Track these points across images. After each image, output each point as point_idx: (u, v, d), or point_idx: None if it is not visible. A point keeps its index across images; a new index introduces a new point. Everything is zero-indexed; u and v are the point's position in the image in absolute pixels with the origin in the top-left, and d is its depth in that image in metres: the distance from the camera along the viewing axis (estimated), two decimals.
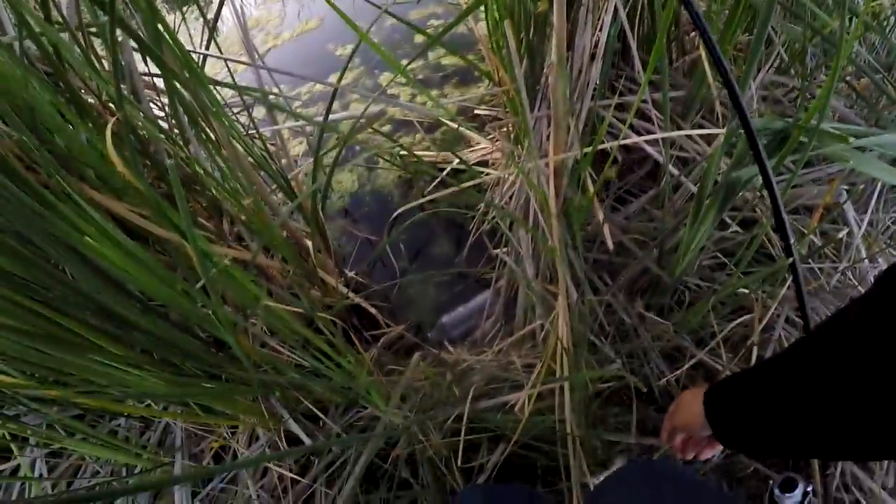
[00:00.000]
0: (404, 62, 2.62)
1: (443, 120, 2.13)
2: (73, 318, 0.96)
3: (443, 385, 1.47)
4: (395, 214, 1.99)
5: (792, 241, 0.81)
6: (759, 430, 0.62)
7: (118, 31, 1.02)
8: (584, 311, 1.38)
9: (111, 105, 1.32)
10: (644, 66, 1.37)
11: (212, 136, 1.28)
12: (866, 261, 1.50)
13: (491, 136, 1.93)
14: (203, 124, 1.26)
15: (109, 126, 0.88)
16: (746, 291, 1.40)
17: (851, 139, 1.04)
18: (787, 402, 0.57)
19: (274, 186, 1.58)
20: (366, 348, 1.65)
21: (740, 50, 1.64)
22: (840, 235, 1.51)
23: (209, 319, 1.05)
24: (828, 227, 1.55)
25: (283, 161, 1.70)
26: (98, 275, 0.97)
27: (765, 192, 1.00)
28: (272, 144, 1.83)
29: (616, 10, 1.18)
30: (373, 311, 1.66)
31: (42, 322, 0.93)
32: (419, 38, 2.79)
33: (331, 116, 1.59)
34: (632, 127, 1.52)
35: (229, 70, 1.63)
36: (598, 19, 1.32)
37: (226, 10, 3.01)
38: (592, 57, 1.34)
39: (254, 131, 1.56)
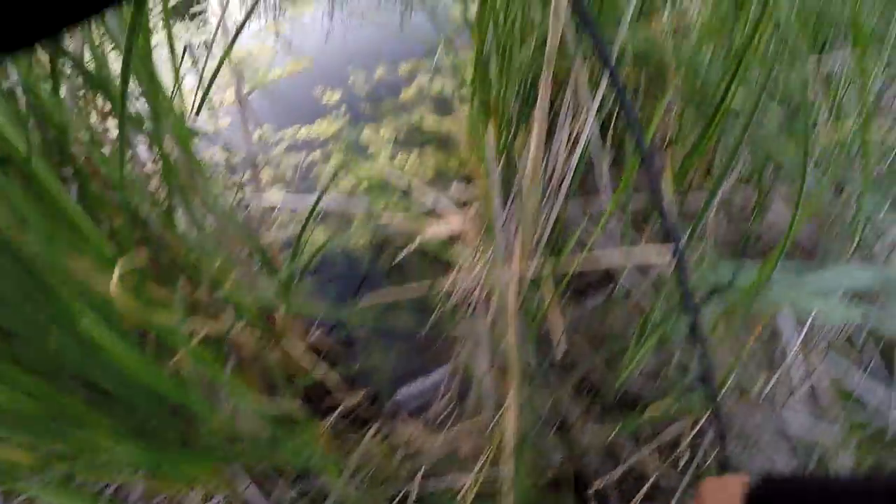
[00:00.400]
0: (389, 119, 2.71)
1: (416, 186, 2.18)
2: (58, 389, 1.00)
3: (394, 461, 1.51)
4: (362, 280, 2.04)
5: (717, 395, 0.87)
6: None
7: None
8: (532, 406, 1.43)
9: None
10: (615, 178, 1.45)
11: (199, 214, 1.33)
12: (799, 376, 1.57)
13: (464, 211, 1.98)
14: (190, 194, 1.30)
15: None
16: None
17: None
18: None
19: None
20: (323, 415, 1.68)
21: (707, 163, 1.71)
22: (777, 347, 1.58)
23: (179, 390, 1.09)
24: (765, 341, 1.62)
25: (264, 231, 1.74)
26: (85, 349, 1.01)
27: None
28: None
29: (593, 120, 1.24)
30: (332, 381, 1.70)
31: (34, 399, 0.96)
32: (406, 95, 2.86)
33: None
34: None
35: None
36: (576, 129, 1.38)
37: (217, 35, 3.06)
38: (569, 156, 1.40)
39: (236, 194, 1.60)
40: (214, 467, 1.39)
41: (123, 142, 1.02)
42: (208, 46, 1.53)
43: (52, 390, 0.98)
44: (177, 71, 1.27)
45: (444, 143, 2.54)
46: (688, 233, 1.40)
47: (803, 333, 1.56)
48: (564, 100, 1.32)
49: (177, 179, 1.22)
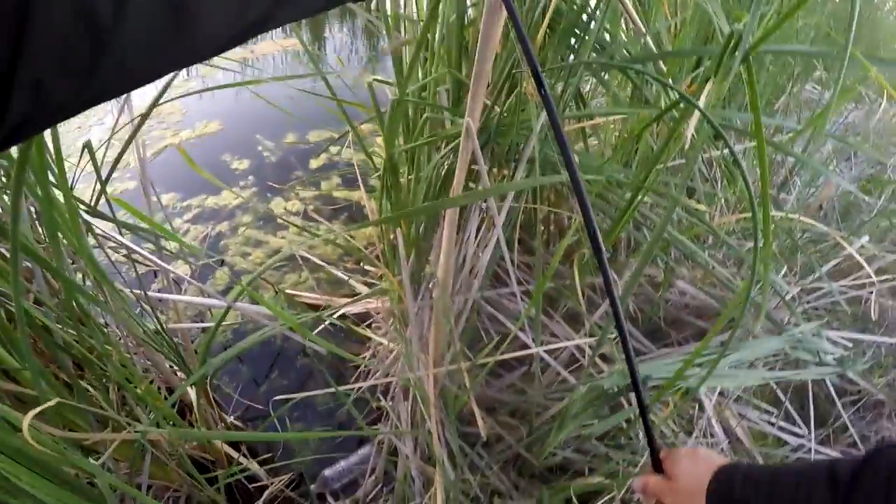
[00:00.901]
0: (298, 189, 2.73)
1: (327, 261, 2.21)
2: None
3: None
4: (275, 358, 2.04)
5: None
6: None
7: None
8: (458, 487, 1.47)
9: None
10: (526, 264, 1.54)
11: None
12: (718, 429, 1.69)
13: (374, 294, 2.02)
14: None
15: None
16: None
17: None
18: None
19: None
20: (249, 502, 1.67)
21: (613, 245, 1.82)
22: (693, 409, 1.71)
23: None
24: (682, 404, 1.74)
25: (173, 320, 1.72)
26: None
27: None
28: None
29: (498, 230, 1.31)
30: (255, 468, 1.69)
31: None
32: (315, 164, 2.89)
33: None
34: (506, 311, 1.66)
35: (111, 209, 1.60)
36: (487, 221, 1.46)
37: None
38: (476, 257, 1.47)
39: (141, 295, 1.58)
40: None
41: (17, 264, 1.02)
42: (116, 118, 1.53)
43: None
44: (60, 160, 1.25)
45: (354, 214, 2.58)
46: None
47: (717, 392, 1.69)
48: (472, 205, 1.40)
49: (78, 299, 1.21)
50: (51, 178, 1.07)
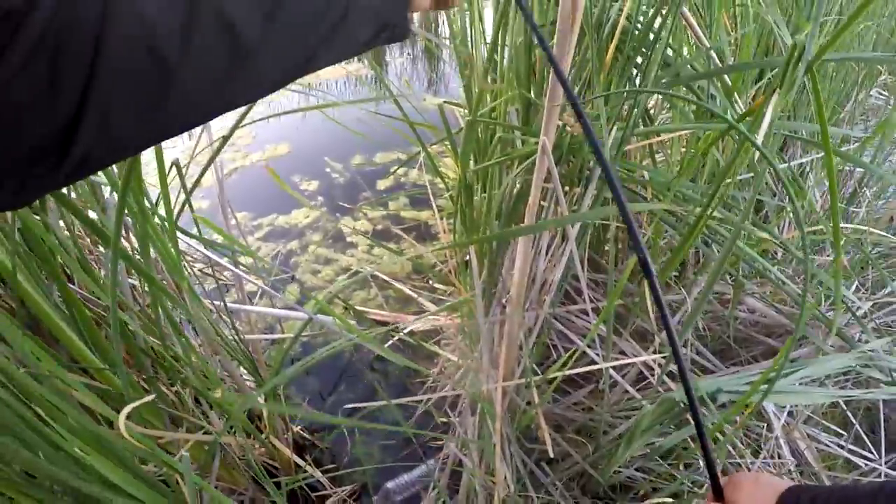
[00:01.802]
0: (366, 209, 2.80)
1: (396, 279, 2.25)
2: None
3: None
4: (342, 372, 2.09)
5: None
6: None
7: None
8: (522, 501, 1.48)
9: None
10: (594, 281, 1.55)
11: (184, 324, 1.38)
12: (786, 451, 1.65)
13: (443, 310, 2.05)
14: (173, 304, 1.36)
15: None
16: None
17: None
18: None
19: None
20: None
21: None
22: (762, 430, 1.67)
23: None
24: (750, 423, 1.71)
25: (247, 332, 1.78)
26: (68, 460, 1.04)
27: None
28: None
29: (572, 243, 1.33)
30: (320, 477, 1.73)
31: None
32: (382, 185, 2.96)
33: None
34: (575, 327, 1.67)
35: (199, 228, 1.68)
36: (558, 239, 1.47)
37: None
38: (550, 270, 1.49)
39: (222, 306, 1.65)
40: None
41: (115, 271, 1.08)
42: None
43: None
44: (163, 179, 1.33)
45: (422, 233, 2.63)
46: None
47: (786, 412, 1.65)
48: (546, 214, 1.42)
49: (162, 297, 1.28)
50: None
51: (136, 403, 0.98)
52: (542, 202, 1.41)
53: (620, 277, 1.20)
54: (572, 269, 1.42)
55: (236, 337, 1.63)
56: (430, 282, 2.31)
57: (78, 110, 0.35)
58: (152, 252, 1.24)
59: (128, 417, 1.11)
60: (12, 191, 0.36)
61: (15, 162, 0.35)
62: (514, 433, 1.47)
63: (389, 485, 1.80)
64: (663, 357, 1.47)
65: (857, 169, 2.21)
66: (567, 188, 1.44)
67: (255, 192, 3.00)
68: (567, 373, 1.32)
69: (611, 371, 1.56)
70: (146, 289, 1.39)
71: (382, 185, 2.98)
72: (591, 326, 1.66)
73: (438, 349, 1.92)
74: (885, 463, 1.71)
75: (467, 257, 1.59)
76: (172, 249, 1.28)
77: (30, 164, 0.36)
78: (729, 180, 1.23)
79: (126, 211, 1.15)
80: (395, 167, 3.05)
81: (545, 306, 1.43)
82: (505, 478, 1.43)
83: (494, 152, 1.42)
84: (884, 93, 2.63)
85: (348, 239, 2.65)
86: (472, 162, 1.45)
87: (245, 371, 1.72)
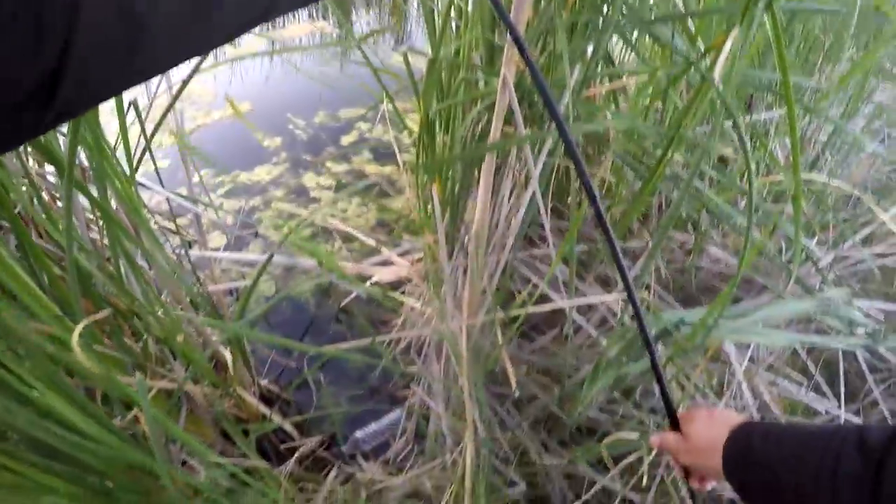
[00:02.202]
0: (330, 165, 2.77)
1: (360, 232, 2.24)
2: (10, 454, 1.01)
3: (358, 503, 1.56)
4: (308, 326, 2.08)
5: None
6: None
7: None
8: (489, 443, 1.50)
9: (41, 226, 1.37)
10: (558, 228, 1.56)
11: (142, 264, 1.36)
12: (748, 394, 1.69)
13: (407, 258, 2.05)
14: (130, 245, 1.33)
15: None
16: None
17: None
18: None
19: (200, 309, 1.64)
20: (281, 461, 1.71)
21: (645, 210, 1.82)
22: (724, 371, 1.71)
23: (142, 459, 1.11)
24: (712, 366, 1.74)
25: (209, 281, 1.76)
26: (38, 413, 1.02)
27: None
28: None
29: (536, 183, 1.33)
30: (288, 427, 1.73)
31: None
32: (346, 141, 2.92)
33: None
34: (538, 272, 1.68)
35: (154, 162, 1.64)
36: (520, 183, 1.47)
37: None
38: (513, 214, 1.49)
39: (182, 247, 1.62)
40: None
41: (70, 201, 1.05)
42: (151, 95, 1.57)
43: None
44: (123, 126, 1.29)
45: (385, 188, 2.61)
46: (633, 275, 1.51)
47: (748, 355, 1.69)
48: (507, 160, 1.41)
49: (121, 240, 1.25)
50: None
51: (88, 320, 0.96)
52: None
53: (577, 213, 1.21)
54: (535, 216, 1.43)
55: (199, 287, 1.61)
56: (395, 233, 2.31)
57: (59, 69, 0.36)
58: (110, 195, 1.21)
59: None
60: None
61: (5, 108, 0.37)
62: (480, 376, 1.48)
63: (358, 434, 1.81)
64: (625, 300, 1.49)
65: (822, 135, 2.23)
66: (529, 128, 1.43)
67: (217, 149, 2.94)
68: (530, 310, 1.33)
69: (575, 316, 1.58)
70: (106, 241, 1.36)
71: (346, 140, 2.94)
72: (557, 274, 1.67)
73: (403, 298, 1.92)
74: (845, 413, 1.75)
75: (430, 206, 1.58)
76: (130, 188, 1.25)
77: (18, 110, 0.38)
78: (690, 119, 1.24)
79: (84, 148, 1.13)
80: (357, 122, 3.02)
81: (507, 247, 1.43)
82: (472, 420, 1.44)
83: (458, 93, 1.41)
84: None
85: (312, 194, 2.62)
86: (434, 102, 1.44)
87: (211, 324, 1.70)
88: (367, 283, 2.00)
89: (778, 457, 0.66)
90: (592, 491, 1.54)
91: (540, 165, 1.27)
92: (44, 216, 1.27)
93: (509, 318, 1.43)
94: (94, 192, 1.18)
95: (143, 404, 0.94)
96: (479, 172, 1.28)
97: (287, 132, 3.06)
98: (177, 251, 1.61)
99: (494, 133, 1.11)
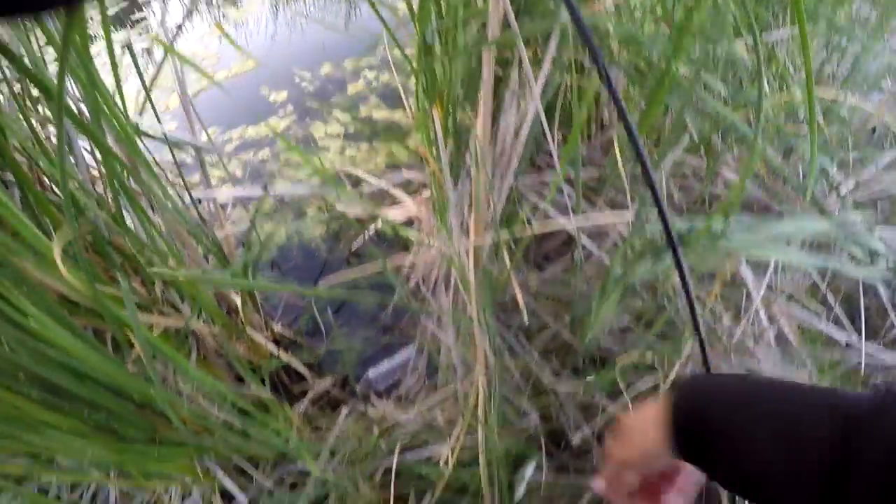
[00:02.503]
0: (337, 114, 2.73)
1: (369, 176, 2.21)
2: (13, 390, 1.01)
3: (370, 439, 1.55)
4: (321, 270, 2.07)
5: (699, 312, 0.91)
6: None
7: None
8: (500, 372, 1.48)
9: (43, 173, 1.36)
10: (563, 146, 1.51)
11: (145, 205, 1.34)
12: (765, 321, 1.65)
13: (416, 197, 2.02)
14: (134, 189, 1.31)
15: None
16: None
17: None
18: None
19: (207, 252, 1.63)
20: (293, 403, 1.71)
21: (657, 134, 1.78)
22: (741, 298, 1.67)
23: (147, 393, 1.10)
24: (728, 292, 1.70)
25: (218, 228, 1.75)
26: (38, 348, 1.02)
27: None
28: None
29: (538, 99, 1.28)
30: (300, 367, 1.72)
31: None
32: (353, 90, 2.88)
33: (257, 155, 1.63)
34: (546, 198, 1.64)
35: (157, 117, 1.63)
36: (523, 103, 1.43)
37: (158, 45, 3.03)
38: (516, 134, 1.46)
39: (185, 191, 1.61)
40: (186, 462, 1.41)
41: (62, 137, 1.03)
42: (150, 51, 1.55)
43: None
44: (116, 74, 1.27)
45: (393, 133, 2.57)
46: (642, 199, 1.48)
47: (765, 282, 1.64)
48: (509, 81, 1.37)
49: (121, 177, 1.24)
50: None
51: (71, 237, 0.94)
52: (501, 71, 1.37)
53: (580, 111, 1.17)
54: (542, 141, 1.39)
55: (204, 228, 1.59)
56: (404, 172, 2.28)
57: None
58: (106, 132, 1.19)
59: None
60: None
61: None
62: (489, 304, 1.45)
63: (370, 373, 1.80)
64: (634, 214, 1.44)
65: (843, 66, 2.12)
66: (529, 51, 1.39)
67: (222, 108, 2.91)
68: (536, 230, 1.30)
69: (585, 241, 1.54)
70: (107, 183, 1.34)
71: (353, 90, 2.90)
72: (565, 201, 1.63)
73: (413, 234, 1.90)
74: (865, 347, 1.69)
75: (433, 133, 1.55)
76: (125, 124, 1.23)
77: None
78: (696, 22, 1.19)
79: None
80: (365, 70, 2.97)
81: (511, 169, 1.39)
82: (483, 350, 1.42)
83: (456, 12, 1.36)
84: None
85: (320, 143, 2.59)
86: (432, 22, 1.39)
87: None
88: (377, 223, 1.98)
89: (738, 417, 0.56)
90: (604, 417, 1.52)
91: (542, 81, 1.23)
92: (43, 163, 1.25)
93: (516, 240, 1.40)
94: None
95: (130, 310, 0.91)
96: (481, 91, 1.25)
97: (293, 85, 3.02)
98: (180, 195, 1.59)
99: (490, 35, 1.07)
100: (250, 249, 1.49)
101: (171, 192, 1.45)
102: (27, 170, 1.34)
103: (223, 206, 2.25)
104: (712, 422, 0.56)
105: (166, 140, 1.47)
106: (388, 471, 1.48)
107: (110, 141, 1.22)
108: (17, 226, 1.06)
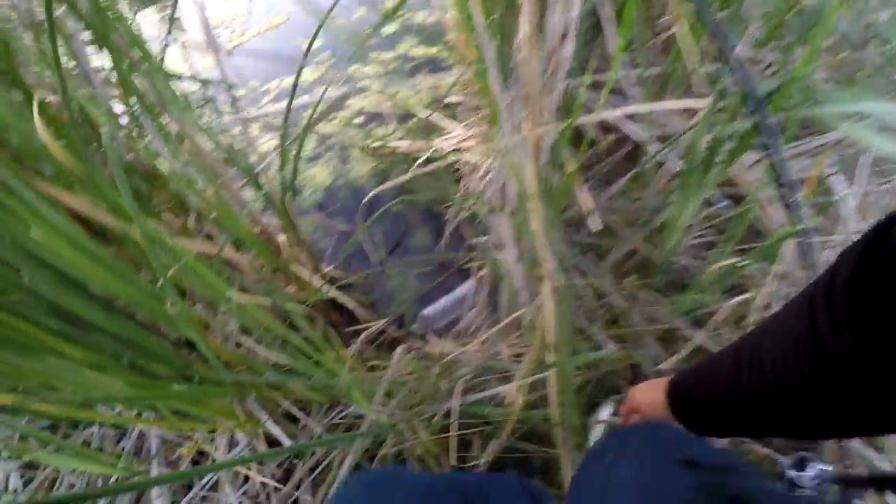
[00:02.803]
0: (373, 54, 2.59)
1: (413, 110, 2.06)
2: (28, 319, 0.90)
3: (429, 379, 1.42)
4: (367, 200, 1.94)
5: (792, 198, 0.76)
6: (728, 417, 0.62)
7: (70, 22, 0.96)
8: (570, 296, 1.33)
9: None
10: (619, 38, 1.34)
11: (172, 128, 1.23)
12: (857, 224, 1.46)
13: (464, 123, 1.87)
14: (162, 116, 1.20)
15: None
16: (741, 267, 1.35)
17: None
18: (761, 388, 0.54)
19: (243, 182, 1.51)
20: (347, 345, 1.59)
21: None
22: (831, 207, 1.48)
23: (172, 317, 0.98)
24: (818, 201, 1.51)
25: (253, 159, 1.63)
26: (55, 274, 0.92)
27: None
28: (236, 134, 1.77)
29: None
30: (351, 304, 1.60)
31: None
32: (388, 30, 2.73)
33: (295, 101, 1.49)
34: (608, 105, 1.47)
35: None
36: None
37: (188, 8, 2.93)
38: (564, 35, 1.29)
39: (218, 123, 1.50)
40: (224, 404, 1.30)
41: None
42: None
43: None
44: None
45: (434, 67, 2.41)
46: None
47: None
48: None
49: (147, 103, 1.13)
50: None
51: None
52: None
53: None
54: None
55: (240, 158, 1.47)
56: (450, 102, 2.13)
57: None
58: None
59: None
60: None
61: None
62: (554, 216, 1.29)
63: (427, 311, 1.68)
64: (710, 99, 1.26)
65: None
66: None
67: (257, 63, 2.81)
68: (598, 116, 1.14)
69: (651, 145, 1.37)
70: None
71: (389, 30, 2.74)
72: (627, 105, 1.46)
73: (466, 155, 1.75)
74: None
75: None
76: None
77: None
78: None
79: None
80: (400, 10, 2.80)
81: (563, 62, 1.22)
82: (550, 270, 1.27)
83: None
84: None
85: (360, 85, 2.46)
86: None
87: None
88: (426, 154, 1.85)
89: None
90: (689, 348, 1.36)
91: None
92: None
93: (576, 142, 1.24)
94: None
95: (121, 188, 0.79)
96: None
97: (327, 32, 2.88)
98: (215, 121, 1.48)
99: None
100: (285, 166, 1.36)
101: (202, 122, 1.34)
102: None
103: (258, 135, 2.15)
104: (696, 394, 0.67)
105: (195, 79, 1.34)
106: (448, 413, 1.36)
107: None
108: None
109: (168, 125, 1.25)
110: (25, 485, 1.41)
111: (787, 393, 0.50)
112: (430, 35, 2.57)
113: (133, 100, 1.14)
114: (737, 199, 1.48)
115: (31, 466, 1.44)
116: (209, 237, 1.38)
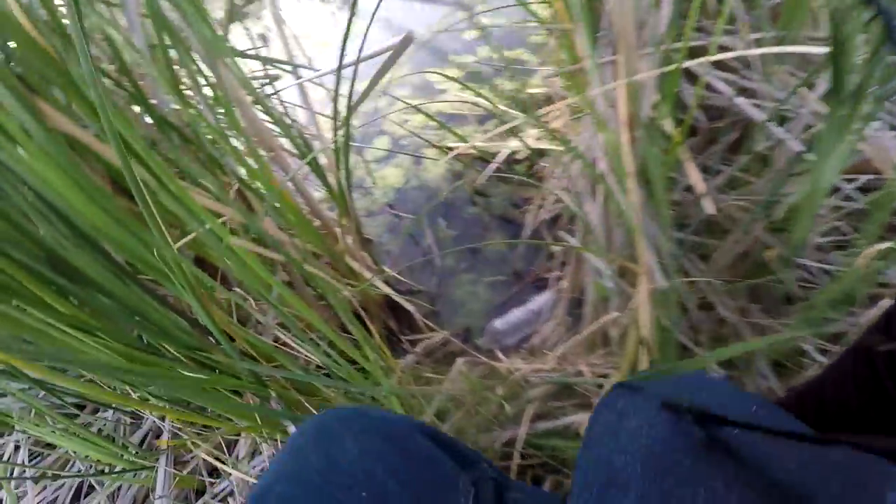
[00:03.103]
0: (452, 58, 2.44)
1: (493, 110, 1.87)
2: (24, 266, 0.76)
3: (492, 400, 1.19)
4: (439, 202, 1.77)
5: None
6: None
7: None
8: (672, 302, 1.08)
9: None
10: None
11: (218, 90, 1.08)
12: None
13: (546, 118, 1.65)
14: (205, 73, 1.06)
15: None
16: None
17: None
18: None
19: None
20: (400, 354, 1.39)
21: None
22: None
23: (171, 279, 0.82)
24: None
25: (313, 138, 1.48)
26: (60, 220, 0.77)
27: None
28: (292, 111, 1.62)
29: None
30: (409, 307, 1.40)
31: None
32: (468, 35, 2.58)
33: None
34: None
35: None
36: None
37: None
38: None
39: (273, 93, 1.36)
40: (239, 402, 1.11)
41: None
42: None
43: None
44: None
45: (517, 71, 2.23)
46: None
47: None
48: None
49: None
50: None
51: None
52: None
53: None
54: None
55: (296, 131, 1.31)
56: (533, 98, 1.94)
57: None
58: None
59: None
60: None
61: None
62: (656, 200, 1.06)
63: (497, 323, 1.46)
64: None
65: None
66: None
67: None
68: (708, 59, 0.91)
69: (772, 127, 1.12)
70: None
71: (468, 35, 2.59)
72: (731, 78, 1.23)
73: (550, 145, 1.54)
74: None
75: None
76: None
77: None
78: None
79: None
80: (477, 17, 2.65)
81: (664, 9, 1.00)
82: (648, 263, 1.04)
83: None
84: None
85: (437, 87, 2.30)
86: None
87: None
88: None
89: None
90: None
91: None
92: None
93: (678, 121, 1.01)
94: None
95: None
96: None
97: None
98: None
99: None
100: (340, 131, 1.18)
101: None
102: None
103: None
104: None
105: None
106: (510, 442, 1.12)
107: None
108: None
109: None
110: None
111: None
112: (511, 40, 2.41)
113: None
114: (864, 191, 1.22)
115: (50, 446, 1.32)
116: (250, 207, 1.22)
